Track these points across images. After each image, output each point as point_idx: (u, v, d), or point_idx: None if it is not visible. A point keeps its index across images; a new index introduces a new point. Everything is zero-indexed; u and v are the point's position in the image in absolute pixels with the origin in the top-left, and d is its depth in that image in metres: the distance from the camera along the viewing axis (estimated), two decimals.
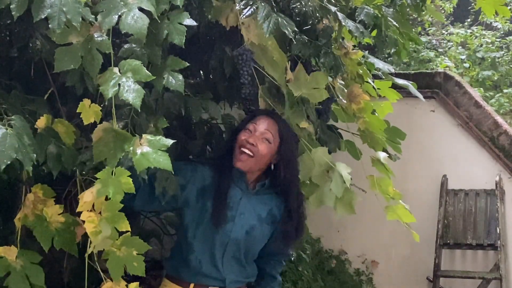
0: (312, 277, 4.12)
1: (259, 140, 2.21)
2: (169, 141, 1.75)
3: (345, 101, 2.72)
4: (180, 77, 1.90)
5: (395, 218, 2.57)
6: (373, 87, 2.91)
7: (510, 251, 4.44)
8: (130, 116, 1.90)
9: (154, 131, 1.96)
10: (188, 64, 1.94)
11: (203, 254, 2.20)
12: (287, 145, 2.26)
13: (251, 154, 2.20)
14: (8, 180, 2.07)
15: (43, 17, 1.67)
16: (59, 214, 1.97)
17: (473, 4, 6.65)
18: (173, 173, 1.79)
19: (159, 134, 1.92)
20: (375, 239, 4.73)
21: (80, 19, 1.69)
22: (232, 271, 2.24)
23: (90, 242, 1.79)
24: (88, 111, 1.81)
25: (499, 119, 4.59)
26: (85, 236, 1.84)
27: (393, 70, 3.11)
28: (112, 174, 1.71)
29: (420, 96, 3.25)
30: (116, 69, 1.76)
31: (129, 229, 1.81)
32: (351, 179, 3.00)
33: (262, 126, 2.23)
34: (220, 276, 2.22)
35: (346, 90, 2.74)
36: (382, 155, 2.74)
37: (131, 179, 1.71)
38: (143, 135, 1.77)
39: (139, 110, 1.74)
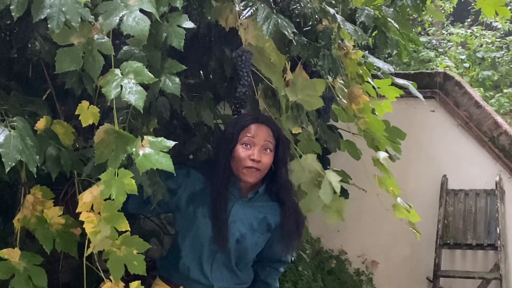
0: (312, 277, 4.11)
1: (262, 153, 2.14)
2: (171, 143, 1.75)
3: (345, 101, 2.72)
4: (177, 80, 1.89)
5: (403, 216, 2.57)
6: (373, 87, 2.91)
7: (510, 251, 4.44)
8: (128, 120, 1.90)
9: (146, 133, 1.96)
10: (185, 68, 1.93)
11: (192, 261, 2.18)
12: (283, 145, 2.21)
13: (258, 170, 2.14)
14: (8, 181, 2.07)
15: (42, 17, 1.67)
16: (59, 216, 1.97)
17: (473, 4, 6.66)
18: (174, 174, 1.77)
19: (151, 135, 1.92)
20: (375, 239, 4.73)
21: (79, 19, 1.69)
22: (222, 278, 2.21)
23: (90, 243, 1.79)
24: (87, 112, 1.81)
25: (499, 119, 4.59)
26: (84, 236, 1.85)
27: (393, 70, 3.11)
28: (115, 176, 1.71)
29: (420, 96, 3.25)
30: (117, 71, 1.76)
31: (129, 229, 1.81)
32: (351, 178, 3.01)
33: (261, 137, 2.15)
34: (208, 283, 2.19)
35: (346, 90, 2.74)
36: (382, 155, 2.73)
37: (134, 181, 1.71)
38: (145, 137, 1.76)
39: (141, 112, 1.74)
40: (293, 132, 2.42)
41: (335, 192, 2.34)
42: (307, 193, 2.38)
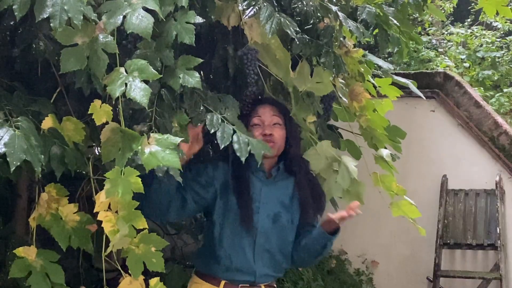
0: (312, 277, 4.12)
1: (272, 128, 2.28)
2: (177, 139, 1.76)
3: (346, 100, 2.72)
4: (196, 74, 1.92)
5: (400, 214, 2.59)
6: (374, 85, 2.91)
7: (510, 251, 4.44)
8: (153, 119, 1.91)
9: (178, 129, 1.98)
10: (202, 60, 1.95)
11: (233, 248, 2.24)
12: (290, 121, 2.34)
13: (273, 142, 2.26)
14: (8, 180, 2.07)
15: (45, 16, 1.67)
16: (74, 213, 1.98)
17: (473, 4, 6.67)
18: (181, 170, 1.80)
19: (183, 131, 1.96)
20: (375, 239, 4.73)
21: (82, 17, 1.69)
22: (263, 264, 2.27)
23: (108, 241, 1.78)
24: (99, 111, 1.81)
25: (499, 119, 4.59)
26: (92, 234, 1.84)
27: (392, 68, 3.11)
28: (121, 174, 1.71)
29: (421, 94, 3.25)
30: (122, 69, 1.76)
31: (147, 226, 1.81)
32: None
33: (268, 114, 2.30)
34: (250, 269, 2.25)
35: (347, 89, 2.74)
36: (385, 152, 2.74)
37: (140, 179, 1.71)
38: (151, 134, 1.77)
39: (158, 110, 1.76)
40: (308, 120, 2.46)
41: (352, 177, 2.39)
42: (326, 179, 2.43)
